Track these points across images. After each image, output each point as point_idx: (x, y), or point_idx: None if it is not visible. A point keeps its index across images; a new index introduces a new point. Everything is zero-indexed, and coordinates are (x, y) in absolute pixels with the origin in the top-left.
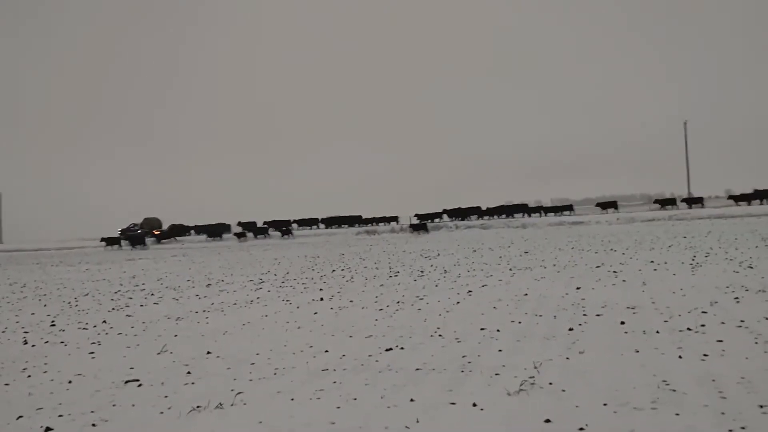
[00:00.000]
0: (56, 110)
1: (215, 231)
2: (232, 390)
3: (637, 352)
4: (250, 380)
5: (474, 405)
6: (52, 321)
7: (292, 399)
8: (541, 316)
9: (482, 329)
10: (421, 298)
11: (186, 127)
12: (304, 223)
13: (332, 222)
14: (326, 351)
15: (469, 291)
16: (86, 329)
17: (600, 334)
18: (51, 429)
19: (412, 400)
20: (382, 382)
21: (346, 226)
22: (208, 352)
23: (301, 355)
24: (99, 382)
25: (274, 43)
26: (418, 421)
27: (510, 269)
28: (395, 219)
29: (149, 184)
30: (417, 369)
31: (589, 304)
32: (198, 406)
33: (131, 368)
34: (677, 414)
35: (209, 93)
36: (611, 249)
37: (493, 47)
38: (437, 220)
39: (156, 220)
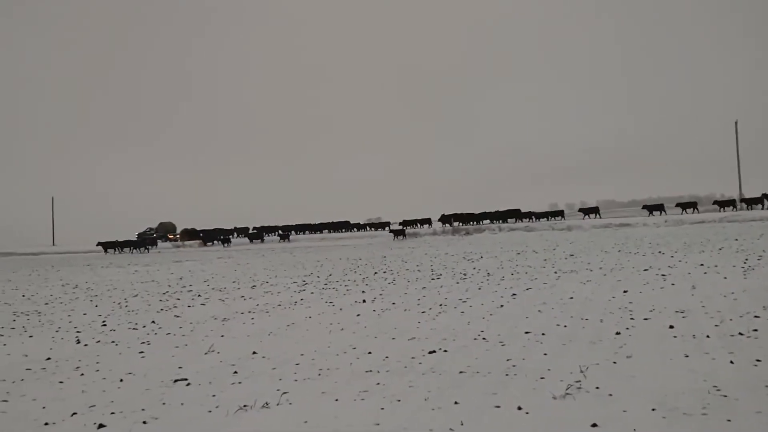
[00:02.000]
0: (88, 113)
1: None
2: (277, 390)
3: (687, 356)
4: (295, 380)
5: (519, 408)
6: (104, 321)
7: (337, 400)
8: (587, 319)
9: (527, 333)
10: (464, 301)
11: (214, 132)
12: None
13: (323, 227)
14: (369, 353)
15: (513, 294)
16: (136, 329)
17: (648, 339)
18: (104, 426)
19: (456, 402)
20: (425, 384)
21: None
22: (254, 353)
23: (345, 356)
24: (149, 381)
25: (299, 44)
26: (462, 424)
27: (555, 272)
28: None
29: (176, 188)
30: (461, 372)
31: (637, 307)
32: (245, 406)
33: (180, 367)
34: (729, 420)
35: (234, 97)
36: (659, 252)
37: (539, 40)
38: (426, 226)
39: (170, 225)
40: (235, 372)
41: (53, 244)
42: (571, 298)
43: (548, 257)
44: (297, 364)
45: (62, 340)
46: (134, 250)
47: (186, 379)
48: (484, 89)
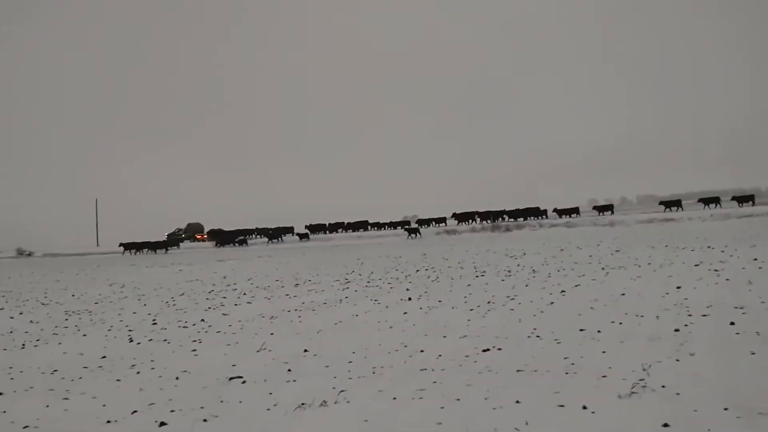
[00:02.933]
0: (123, 114)
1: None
2: (333, 388)
3: (753, 354)
4: (350, 378)
5: (584, 408)
6: (153, 320)
7: (395, 398)
8: (642, 316)
9: (581, 330)
10: (512, 298)
11: (249, 133)
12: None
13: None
14: (422, 351)
15: (563, 291)
16: (186, 328)
17: (709, 336)
18: (165, 424)
19: (517, 401)
20: (483, 382)
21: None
22: (305, 350)
23: (397, 354)
24: (205, 378)
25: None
26: (527, 423)
27: (603, 268)
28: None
29: (212, 188)
30: (518, 370)
31: (693, 303)
32: (303, 404)
33: (233, 365)
34: None
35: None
36: (708, 246)
37: (590, 31)
38: (443, 225)
39: (198, 225)
40: (289, 370)
41: (97, 245)
42: (623, 294)
43: (593, 253)
44: (350, 362)
45: (115, 338)
46: (155, 251)
47: (241, 377)
48: (510, 86)
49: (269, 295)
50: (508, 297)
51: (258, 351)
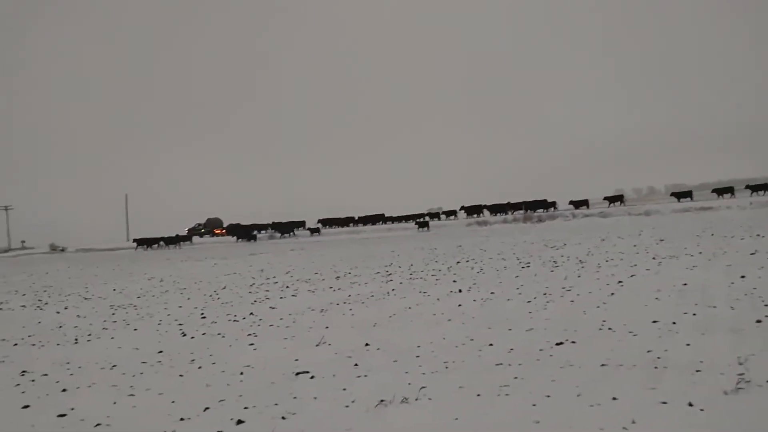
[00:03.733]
0: (152, 110)
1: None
2: (409, 384)
3: None
4: (423, 374)
5: (690, 405)
6: (202, 313)
7: (479, 395)
8: (715, 307)
9: (654, 322)
10: (568, 290)
11: (276, 129)
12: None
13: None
14: (490, 345)
15: (619, 281)
16: (237, 321)
17: None
18: (242, 422)
19: (614, 398)
20: (568, 378)
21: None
22: (366, 344)
23: (465, 348)
24: (270, 373)
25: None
26: (634, 422)
27: (653, 258)
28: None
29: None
30: (602, 365)
31: (766, 293)
32: (382, 400)
33: (296, 360)
34: None
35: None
36: (757, 235)
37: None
38: (453, 217)
39: (218, 220)
40: (356, 365)
41: (127, 240)
42: (685, 284)
43: (637, 243)
44: (417, 357)
45: (167, 333)
46: (166, 246)
47: (308, 372)
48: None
49: (312, 288)
50: (564, 288)
51: (317, 345)
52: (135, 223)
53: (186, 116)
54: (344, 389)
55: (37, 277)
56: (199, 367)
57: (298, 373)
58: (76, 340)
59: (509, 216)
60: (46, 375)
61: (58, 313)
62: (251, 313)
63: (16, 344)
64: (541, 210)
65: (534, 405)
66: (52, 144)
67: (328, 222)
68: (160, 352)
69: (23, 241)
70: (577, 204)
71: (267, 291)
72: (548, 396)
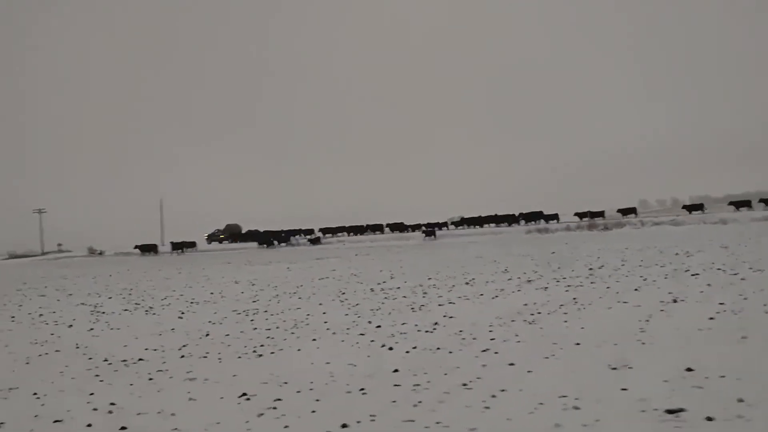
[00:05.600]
0: (181, 116)
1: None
2: None
3: None
4: None
5: None
6: (377, 324)
7: None
8: None
9: None
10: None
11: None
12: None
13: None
14: None
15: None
16: (431, 332)
17: None
18: None
19: None
20: None
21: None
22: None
23: None
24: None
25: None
26: None
27: None
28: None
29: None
30: None
31: None
32: None
33: (527, 370)
34: None
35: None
36: None
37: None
38: (448, 228)
39: (236, 226)
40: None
41: (162, 245)
42: None
43: (753, 250)
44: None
45: (367, 346)
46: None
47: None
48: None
49: (463, 294)
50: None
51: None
52: (146, 227)
53: (215, 121)
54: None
55: (102, 278)
56: (468, 388)
57: (671, 411)
58: (259, 353)
59: (572, 224)
60: (279, 400)
61: (211, 323)
62: (435, 323)
63: (205, 356)
64: (544, 221)
65: None
66: (80, 148)
67: (332, 231)
68: (396, 371)
69: (60, 245)
70: (625, 212)
71: (404, 297)
72: None
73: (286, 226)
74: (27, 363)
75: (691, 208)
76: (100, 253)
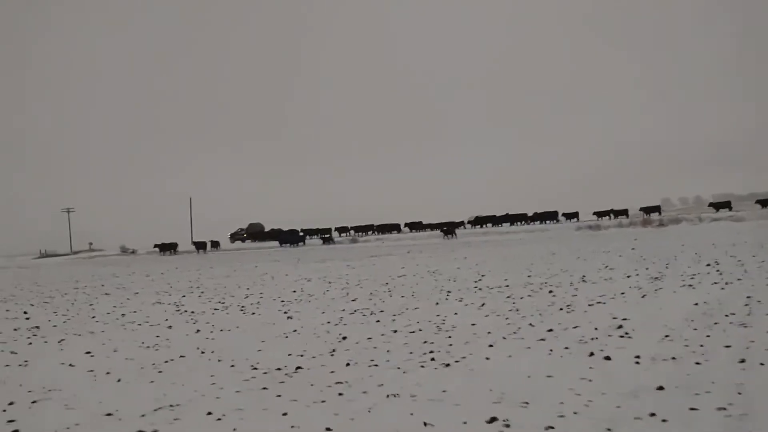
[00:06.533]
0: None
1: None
2: None
3: None
4: None
5: None
6: (487, 328)
7: None
8: None
9: None
10: None
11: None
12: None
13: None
14: None
15: None
16: (585, 343)
17: None
18: None
19: None
20: None
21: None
22: None
23: None
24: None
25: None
26: None
27: None
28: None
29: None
30: None
31: None
32: None
33: None
34: None
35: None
36: None
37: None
38: (464, 227)
39: (259, 225)
40: None
41: (192, 243)
42: None
43: None
44: None
45: (539, 351)
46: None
47: None
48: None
49: (598, 294)
50: None
51: None
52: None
53: (246, 123)
54: None
55: (156, 276)
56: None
57: None
58: (440, 360)
59: (624, 220)
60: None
61: (290, 318)
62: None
63: (373, 363)
64: (549, 221)
65: None
66: (104, 149)
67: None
68: (550, 375)
69: (91, 243)
70: (648, 210)
71: (530, 296)
72: None
73: (302, 226)
74: (160, 372)
75: (718, 206)
76: (133, 252)
